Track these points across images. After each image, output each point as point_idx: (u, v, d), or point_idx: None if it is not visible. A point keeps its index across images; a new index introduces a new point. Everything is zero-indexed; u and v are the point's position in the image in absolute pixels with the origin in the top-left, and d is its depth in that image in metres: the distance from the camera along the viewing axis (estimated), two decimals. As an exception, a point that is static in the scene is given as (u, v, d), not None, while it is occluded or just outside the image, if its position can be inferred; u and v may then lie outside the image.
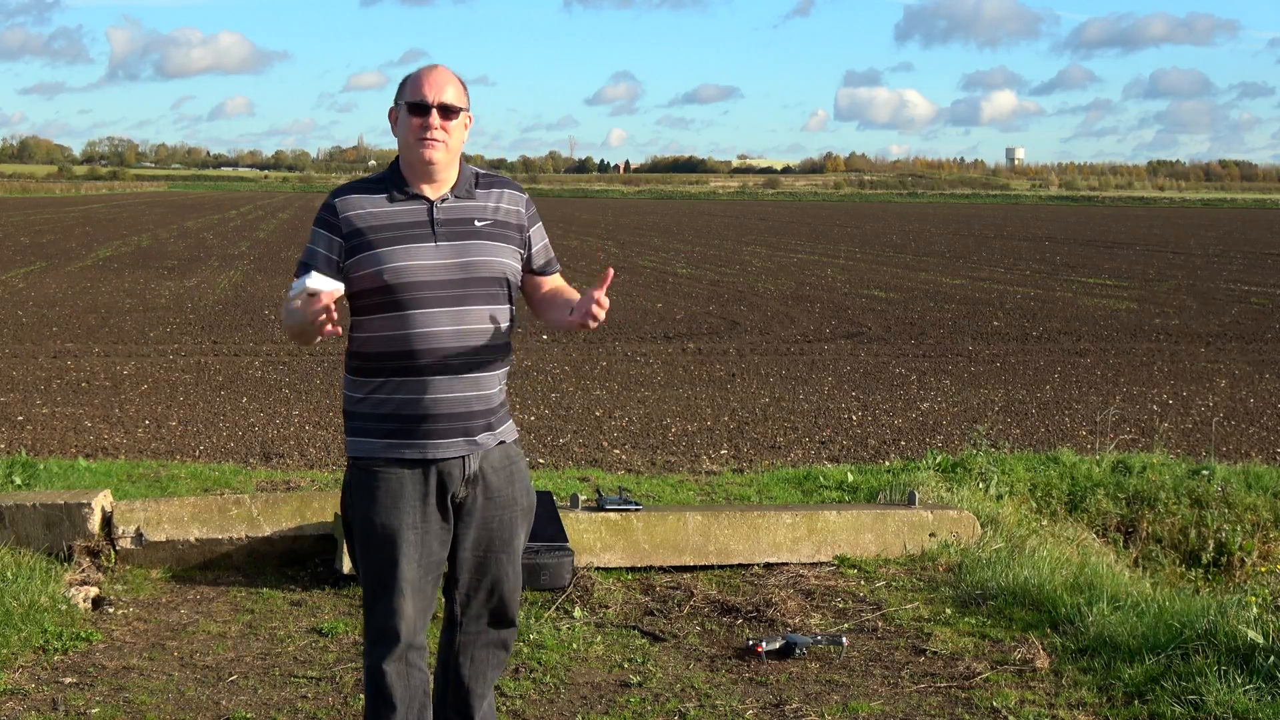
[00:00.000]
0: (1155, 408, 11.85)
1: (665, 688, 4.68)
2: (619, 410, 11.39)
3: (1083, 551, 6.88)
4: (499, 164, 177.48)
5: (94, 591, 5.59)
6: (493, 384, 3.37)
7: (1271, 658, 4.50)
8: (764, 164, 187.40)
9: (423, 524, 3.33)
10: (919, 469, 7.89)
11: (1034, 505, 7.84)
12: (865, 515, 6.42)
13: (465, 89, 3.39)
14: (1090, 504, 7.91)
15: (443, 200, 3.34)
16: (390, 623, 3.34)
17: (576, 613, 5.48)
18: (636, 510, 6.13)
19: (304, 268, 3.34)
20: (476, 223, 3.35)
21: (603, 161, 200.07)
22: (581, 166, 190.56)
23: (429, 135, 3.28)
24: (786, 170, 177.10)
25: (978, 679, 4.73)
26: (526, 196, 3.50)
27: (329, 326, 3.11)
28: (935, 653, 5.04)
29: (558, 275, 3.57)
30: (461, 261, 3.29)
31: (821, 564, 6.22)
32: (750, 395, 12.34)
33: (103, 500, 6.08)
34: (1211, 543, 7.73)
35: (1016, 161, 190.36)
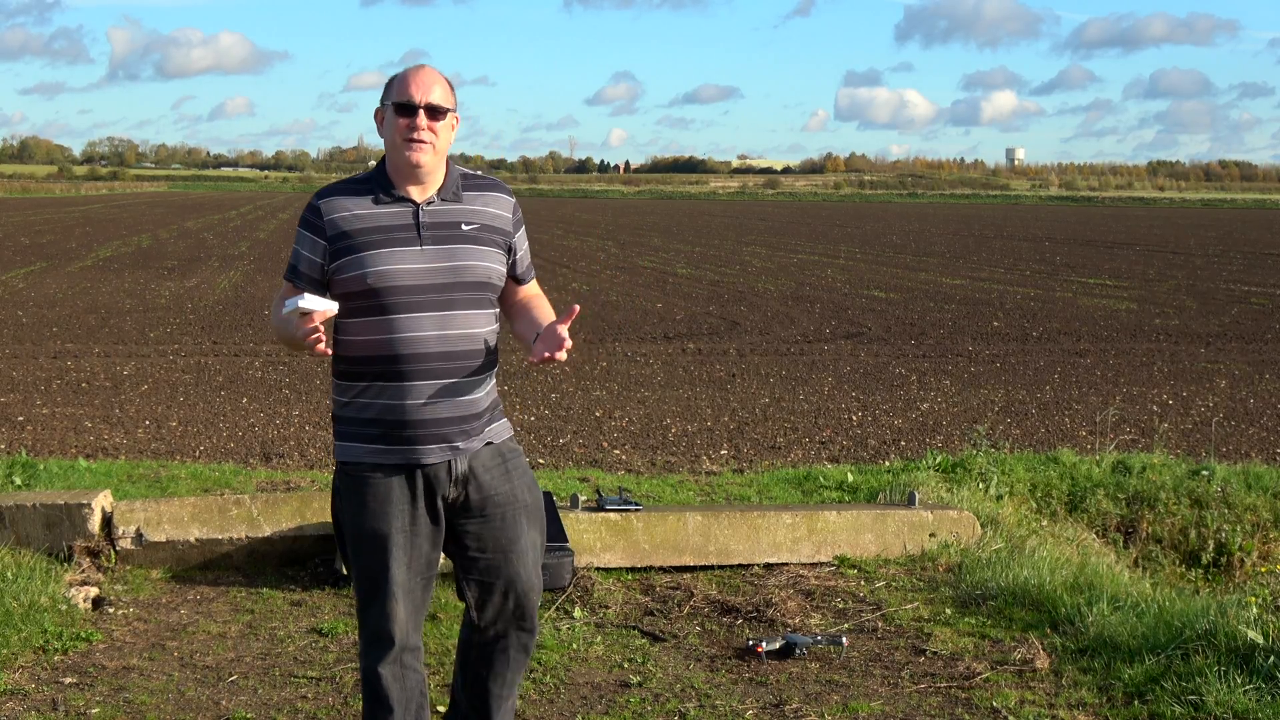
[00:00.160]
0: (1155, 408, 11.85)
1: (665, 688, 4.68)
2: (619, 410, 11.39)
3: (1083, 552, 6.88)
4: (499, 164, 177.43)
5: (94, 591, 5.59)
6: (478, 388, 3.32)
7: (1271, 658, 4.50)
8: (764, 164, 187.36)
9: (411, 527, 3.31)
10: (919, 469, 7.89)
11: (1034, 505, 7.84)
12: (865, 515, 6.42)
13: (452, 89, 3.36)
14: (1090, 504, 7.91)
15: (429, 203, 3.30)
16: (383, 626, 3.33)
17: (576, 613, 5.48)
18: (636, 510, 6.13)
19: (291, 270, 3.34)
20: (464, 226, 3.31)
21: (603, 162, 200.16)
22: (581, 167, 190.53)
23: (415, 136, 3.25)
24: (786, 170, 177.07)
25: (978, 679, 4.73)
26: (514, 200, 3.46)
27: (319, 347, 3.11)
28: (935, 653, 5.04)
29: (534, 284, 3.54)
30: (447, 266, 3.25)
31: (821, 564, 6.21)
32: (750, 395, 12.34)
33: (103, 500, 6.08)
34: (1211, 543, 7.73)
35: (1016, 162, 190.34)
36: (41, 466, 7.56)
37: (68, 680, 4.68)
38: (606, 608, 5.55)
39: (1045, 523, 7.55)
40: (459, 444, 3.29)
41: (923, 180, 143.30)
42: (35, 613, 5.15)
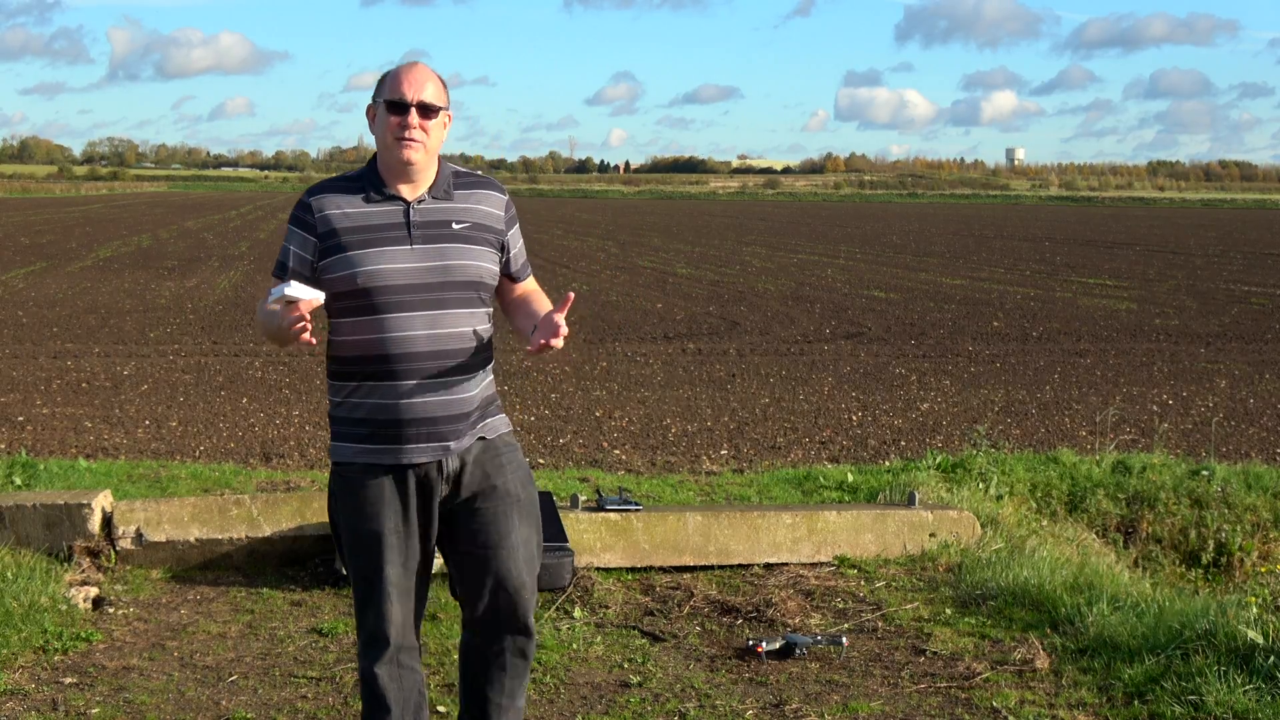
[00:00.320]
0: (1155, 408, 11.85)
1: (665, 688, 4.68)
2: (619, 410, 11.39)
3: (1083, 552, 6.88)
4: (499, 164, 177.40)
5: (94, 591, 5.59)
6: (470, 388, 3.29)
7: (1271, 658, 4.50)
8: (764, 164, 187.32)
9: (404, 527, 3.28)
10: (919, 469, 7.89)
11: (1034, 505, 7.84)
12: (865, 515, 6.42)
13: (445, 87, 3.33)
14: (1090, 504, 7.91)
15: (419, 201, 3.27)
16: (379, 627, 3.32)
17: (576, 613, 5.48)
18: (636, 510, 6.13)
19: (280, 267, 3.32)
20: (454, 225, 3.27)
21: (603, 162, 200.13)
22: (581, 167, 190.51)
23: (407, 135, 3.22)
24: (786, 170, 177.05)
25: (978, 679, 4.73)
26: (507, 198, 3.42)
27: (305, 335, 3.06)
28: (935, 653, 5.04)
29: (531, 279, 3.51)
30: (438, 265, 3.22)
31: (821, 564, 6.21)
32: (750, 395, 12.34)
33: (103, 500, 6.08)
34: (1211, 543, 7.73)
35: (1016, 162, 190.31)
36: (41, 466, 7.56)
37: (68, 680, 4.67)
38: (606, 608, 5.55)
39: (1045, 523, 7.55)
40: (450, 443, 3.26)
41: (923, 180, 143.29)
42: (35, 613, 5.15)
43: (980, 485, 7.72)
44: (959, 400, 12.21)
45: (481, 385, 3.34)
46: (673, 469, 8.87)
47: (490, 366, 3.39)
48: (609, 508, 6.12)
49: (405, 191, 3.28)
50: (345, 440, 3.30)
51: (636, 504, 6.20)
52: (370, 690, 3.38)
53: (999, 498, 7.62)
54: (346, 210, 3.25)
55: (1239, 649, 4.61)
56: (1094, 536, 7.63)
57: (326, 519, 6.03)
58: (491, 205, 3.36)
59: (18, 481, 7.11)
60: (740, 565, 6.14)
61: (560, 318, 3.20)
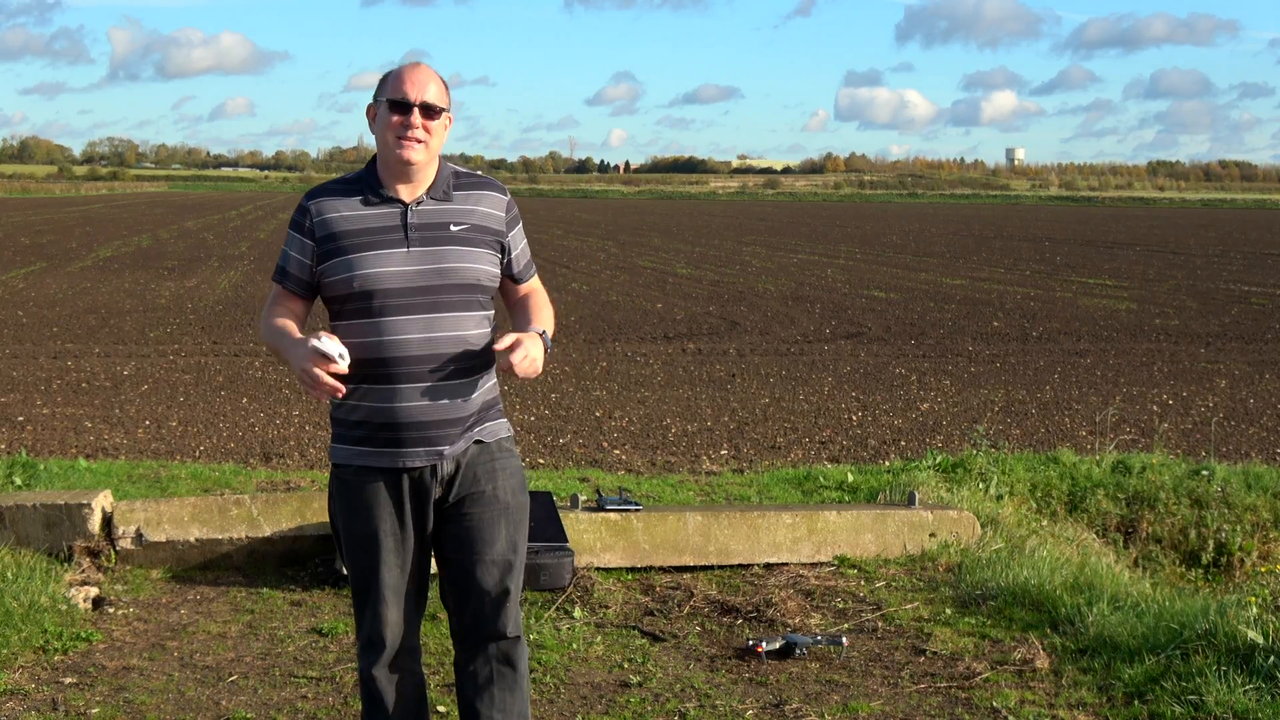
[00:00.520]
0: (1155, 408, 11.85)
1: (665, 688, 4.68)
2: (619, 410, 11.39)
3: (1083, 552, 6.88)
4: (499, 164, 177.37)
5: (94, 591, 5.59)
6: (468, 391, 3.25)
7: (1271, 658, 4.50)
8: (764, 164, 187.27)
9: (400, 530, 3.27)
10: (919, 469, 7.89)
11: (1034, 505, 7.84)
12: (865, 515, 6.42)
13: (447, 89, 3.30)
14: (1090, 504, 7.91)
15: (418, 203, 3.24)
16: (375, 630, 3.31)
17: (576, 613, 5.48)
18: (636, 510, 6.13)
19: (280, 272, 3.32)
20: (452, 227, 3.24)
21: (603, 162, 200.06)
22: (581, 167, 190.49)
23: (409, 135, 3.19)
24: (786, 170, 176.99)
25: (978, 679, 4.73)
26: (508, 199, 3.38)
27: (336, 392, 3.09)
28: (935, 653, 5.04)
29: (534, 280, 3.47)
30: (434, 268, 3.19)
31: (821, 564, 6.21)
32: (750, 395, 12.34)
33: (103, 500, 6.08)
34: (1211, 543, 7.73)
35: (1016, 162, 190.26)
36: (41, 466, 7.56)
37: (68, 680, 4.68)
38: (606, 608, 5.55)
39: (1045, 523, 7.55)
40: (444, 448, 3.23)
41: (923, 180, 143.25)
42: (35, 613, 5.16)
43: (980, 485, 7.72)
44: (959, 400, 12.21)
45: (482, 389, 3.30)
46: (673, 469, 8.87)
47: (492, 370, 3.34)
48: (609, 508, 6.12)
49: (404, 193, 3.25)
50: (343, 442, 3.30)
51: (636, 504, 6.20)
52: (368, 692, 3.38)
53: (999, 498, 7.62)
54: (344, 213, 3.23)
55: (1239, 649, 4.61)
56: (1094, 536, 7.63)
57: (326, 519, 6.05)
58: (491, 206, 3.32)
59: (18, 481, 7.11)
60: (740, 565, 6.14)
61: (506, 352, 3.14)
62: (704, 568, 6.12)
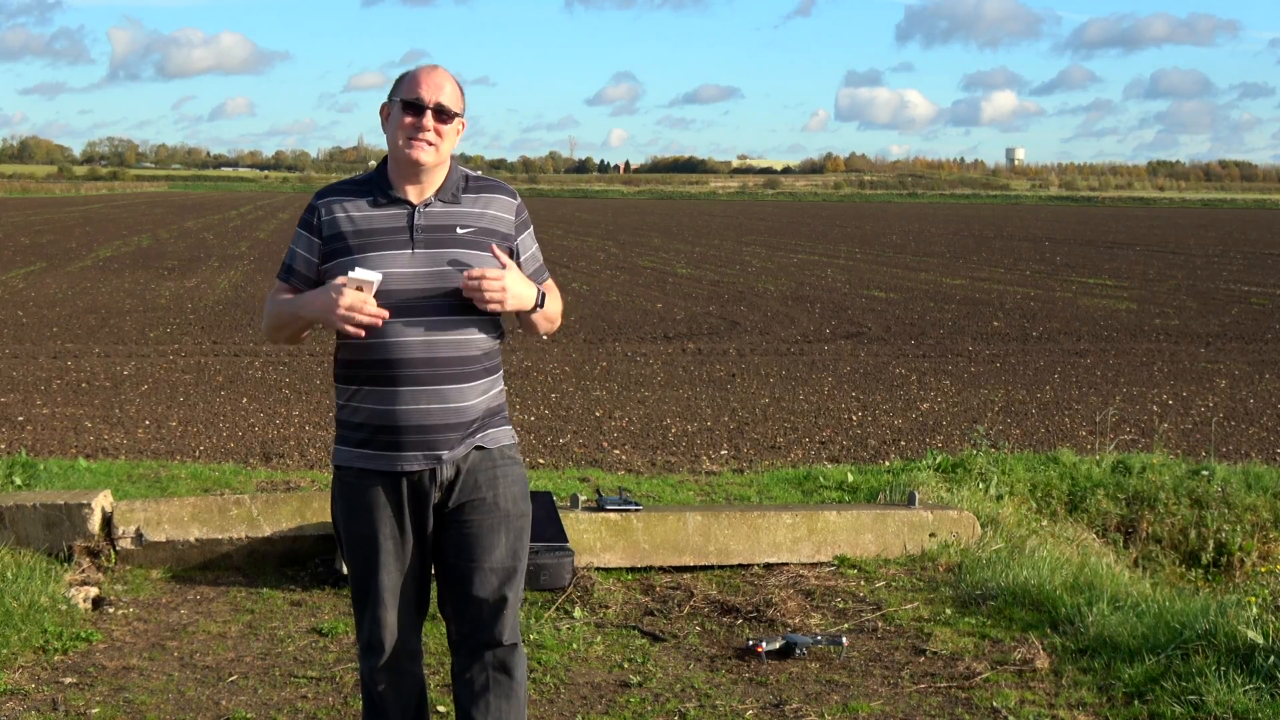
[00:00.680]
0: (1155, 408, 11.85)
1: (665, 688, 4.68)
2: (619, 410, 11.39)
3: (1083, 552, 6.88)
4: (499, 164, 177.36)
5: (94, 591, 5.59)
6: (470, 395, 3.22)
7: (1271, 658, 4.50)
8: (764, 164, 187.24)
9: (399, 534, 3.25)
10: (919, 469, 7.89)
11: (1034, 505, 7.84)
12: (865, 515, 6.42)
13: (463, 94, 3.29)
14: (1090, 504, 7.91)
15: (426, 205, 3.22)
16: (374, 632, 3.30)
17: (576, 613, 5.48)
18: (636, 510, 6.13)
19: (285, 269, 3.32)
20: (459, 230, 3.22)
21: (603, 162, 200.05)
22: (581, 167, 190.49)
23: (420, 136, 3.18)
24: (786, 170, 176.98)
25: (978, 679, 4.73)
26: (518, 202, 3.35)
27: (353, 327, 3.09)
28: (935, 653, 5.04)
29: (548, 283, 3.41)
30: (438, 270, 3.17)
31: (821, 564, 6.21)
32: (750, 395, 12.34)
33: (103, 500, 6.08)
34: (1211, 543, 7.73)
35: (1016, 162, 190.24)
36: (41, 466, 7.56)
37: (68, 680, 4.68)
38: (606, 608, 5.56)
39: (1045, 523, 7.55)
40: (442, 452, 3.21)
41: (923, 180, 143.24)
42: (35, 613, 5.16)
43: (980, 485, 7.72)
44: (959, 400, 12.21)
45: (485, 395, 3.27)
46: (673, 469, 8.87)
47: (497, 377, 3.32)
48: (609, 508, 6.13)
49: (412, 194, 3.24)
50: (345, 444, 3.29)
51: (636, 504, 6.20)
52: (368, 693, 3.39)
53: (999, 498, 7.62)
54: (351, 214, 3.22)
55: (1239, 649, 4.61)
56: (1094, 536, 7.63)
57: (327, 519, 6.05)
58: (500, 209, 3.30)
59: (18, 481, 7.11)
60: (740, 565, 6.14)
61: (486, 274, 3.13)
62: (704, 568, 6.12)
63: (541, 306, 3.29)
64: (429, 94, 3.21)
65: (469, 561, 3.27)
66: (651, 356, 14.99)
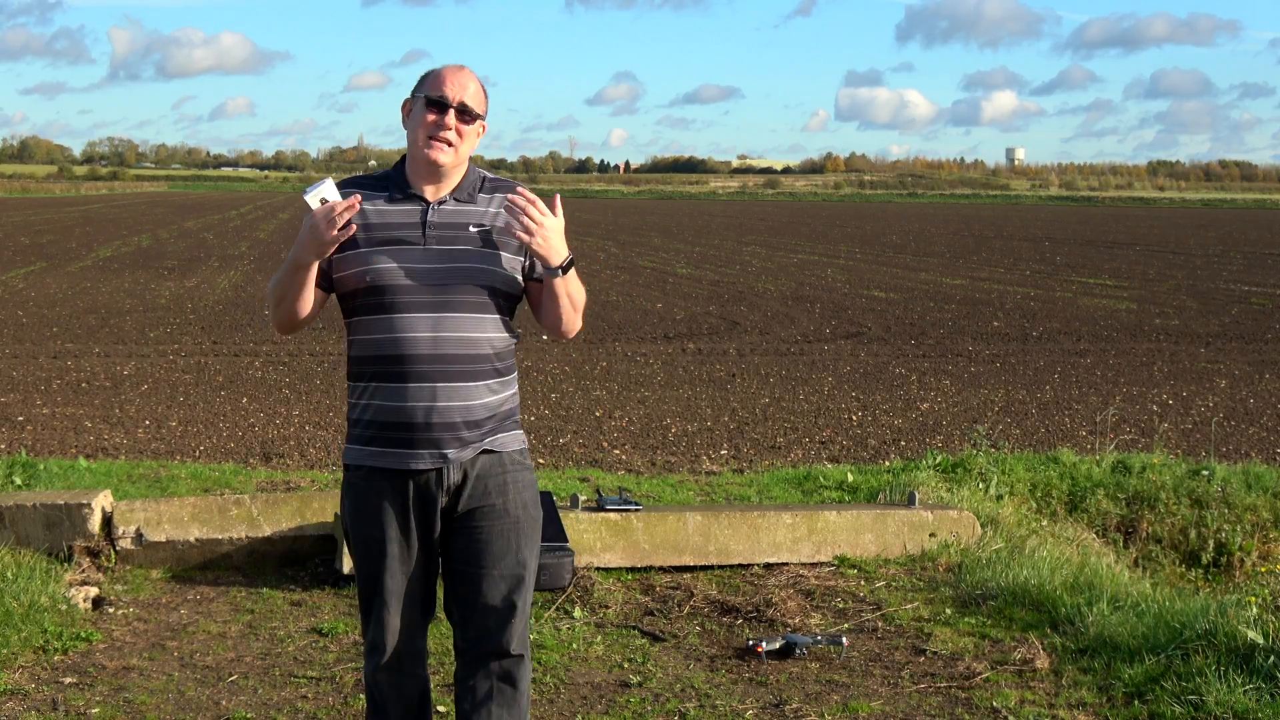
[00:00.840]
0: (1155, 408, 11.85)
1: (665, 688, 4.68)
2: (619, 410, 11.39)
3: (1083, 551, 6.88)
4: (499, 164, 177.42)
5: (94, 591, 5.59)
6: (479, 395, 3.19)
7: (1271, 658, 4.50)
8: (764, 164, 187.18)
9: (405, 535, 3.22)
10: (919, 469, 7.89)
11: (1034, 505, 7.84)
12: (865, 515, 6.42)
13: (486, 97, 3.28)
14: (1090, 504, 7.91)
15: (441, 203, 3.21)
16: (378, 633, 3.29)
17: (576, 613, 5.48)
18: (636, 510, 6.13)
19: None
20: (471, 228, 3.20)
21: (603, 161, 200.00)
22: (582, 166, 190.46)
23: (440, 135, 3.17)
24: (786, 170, 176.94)
25: (978, 679, 4.73)
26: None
27: (337, 230, 3.06)
28: (935, 653, 5.04)
29: None
30: (447, 267, 3.15)
31: (821, 564, 6.22)
32: (750, 395, 12.34)
33: (103, 500, 6.08)
34: (1211, 543, 7.73)
35: (1016, 162, 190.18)
36: (41, 466, 7.56)
37: (68, 680, 4.68)
38: (606, 608, 5.56)
39: (1045, 523, 7.55)
40: (449, 451, 3.18)
41: (923, 180, 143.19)
42: (35, 613, 5.16)
43: (980, 485, 7.72)
44: (959, 400, 12.21)
45: (495, 396, 3.24)
46: (673, 469, 8.87)
47: (508, 380, 3.29)
48: (609, 508, 6.13)
49: (429, 192, 3.23)
50: (354, 442, 3.27)
51: (636, 504, 6.20)
52: (369, 693, 3.39)
53: (999, 498, 7.62)
54: (365, 208, 3.20)
55: (1239, 649, 4.61)
56: (1094, 536, 7.63)
57: (327, 519, 6.06)
58: None
59: (18, 481, 7.11)
60: (740, 565, 6.14)
61: (523, 203, 3.12)
62: (704, 568, 6.12)
63: (566, 271, 3.24)
64: (453, 92, 3.20)
65: (478, 568, 3.24)
66: (651, 356, 15.00)
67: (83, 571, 5.82)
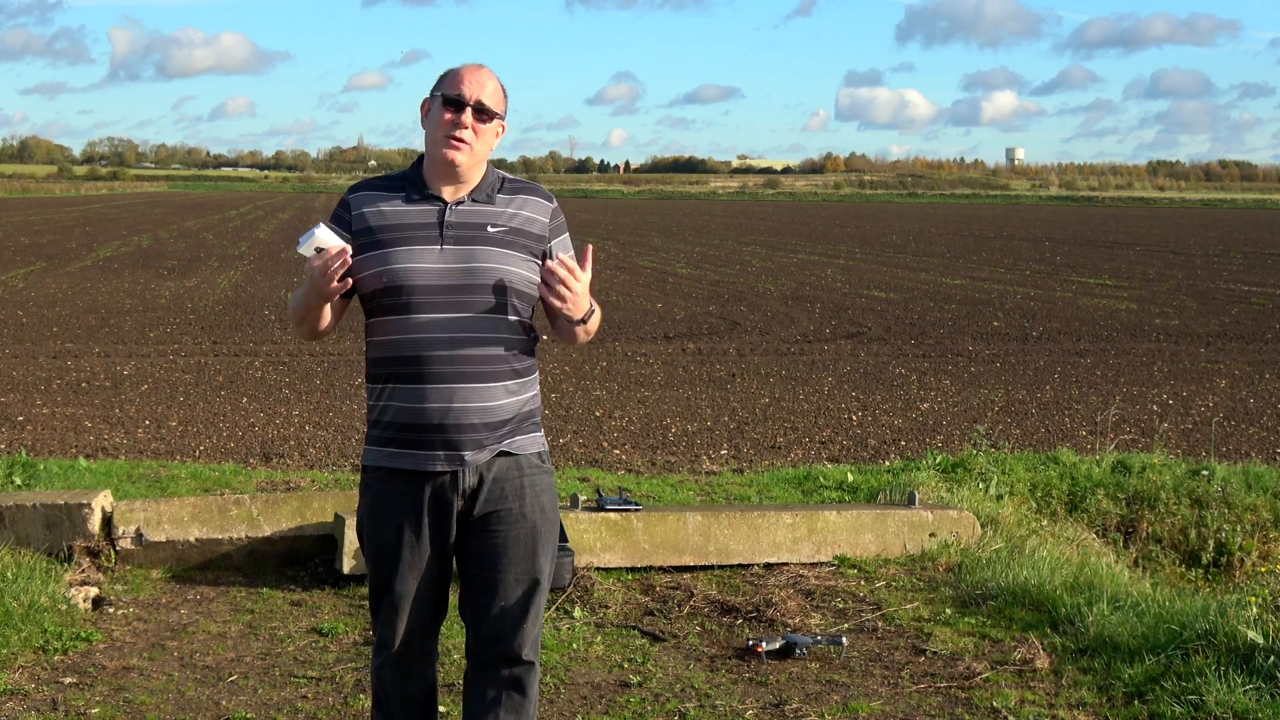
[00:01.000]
0: (1155, 408, 11.85)
1: (665, 688, 4.68)
2: (619, 410, 11.40)
3: (1083, 551, 6.88)
4: (499, 164, 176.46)
5: (94, 591, 5.59)
6: (497, 396, 3.17)
7: (1271, 658, 4.50)
8: (764, 164, 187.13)
9: (418, 540, 3.21)
10: (919, 469, 7.89)
11: (1034, 505, 7.84)
12: (865, 515, 6.42)
13: (506, 96, 3.27)
14: (1090, 504, 7.91)
15: (458, 203, 3.20)
16: (385, 633, 3.29)
17: (576, 613, 5.48)
18: (636, 510, 6.13)
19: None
20: (489, 228, 3.18)
21: (603, 161, 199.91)
22: (582, 166, 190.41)
23: (457, 134, 3.15)
24: (786, 170, 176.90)
25: (978, 679, 4.73)
26: (554, 206, 3.30)
27: (335, 283, 3.08)
28: (935, 653, 5.04)
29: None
30: (464, 267, 3.13)
31: (821, 564, 6.22)
32: (750, 395, 12.34)
33: (103, 500, 6.08)
34: (1211, 543, 7.73)
35: (1016, 162, 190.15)
36: (41, 466, 7.56)
37: (68, 680, 4.68)
38: (606, 608, 5.56)
39: (1045, 523, 7.55)
40: (466, 453, 3.16)
41: (923, 180, 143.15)
42: (35, 613, 5.16)
43: (980, 485, 7.72)
44: (959, 400, 12.21)
45: (514, 398, 3.22)
46: (673, 469, 8.87)
47: (528, 381, 3.27)
48: (609, 508, 6.12)
49: (446, 193, 3.21)
50: (372, 444, 3.26)
51: (636, 504, 6.20)
52: (374, 692, 3.40)
53: (999, 498, 7.62)
54: (382, 209, 3.20)
55: (1239, 649, 4.61)
56: (1094, 536, 7.63)
57: (327, 519, 6.06)
58: (535, 211, 3.25)
59: (18, 481, 7.11)
60: (740, 565, 6.14)
61: (557, 265, 3.12)
62: (704, 568, 6.12)
63: (587, 321, 3.24)
64: (470, 90, 3.18)
65: (493, 573, 3.23)
66: (651, 356, 15.00)
67: (83, 571, 5.82)
